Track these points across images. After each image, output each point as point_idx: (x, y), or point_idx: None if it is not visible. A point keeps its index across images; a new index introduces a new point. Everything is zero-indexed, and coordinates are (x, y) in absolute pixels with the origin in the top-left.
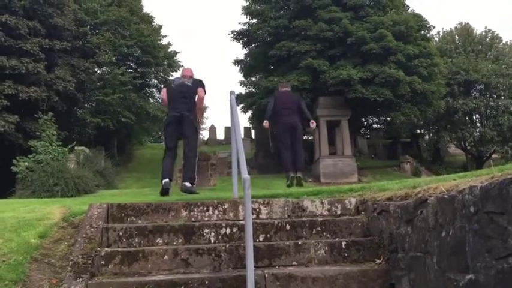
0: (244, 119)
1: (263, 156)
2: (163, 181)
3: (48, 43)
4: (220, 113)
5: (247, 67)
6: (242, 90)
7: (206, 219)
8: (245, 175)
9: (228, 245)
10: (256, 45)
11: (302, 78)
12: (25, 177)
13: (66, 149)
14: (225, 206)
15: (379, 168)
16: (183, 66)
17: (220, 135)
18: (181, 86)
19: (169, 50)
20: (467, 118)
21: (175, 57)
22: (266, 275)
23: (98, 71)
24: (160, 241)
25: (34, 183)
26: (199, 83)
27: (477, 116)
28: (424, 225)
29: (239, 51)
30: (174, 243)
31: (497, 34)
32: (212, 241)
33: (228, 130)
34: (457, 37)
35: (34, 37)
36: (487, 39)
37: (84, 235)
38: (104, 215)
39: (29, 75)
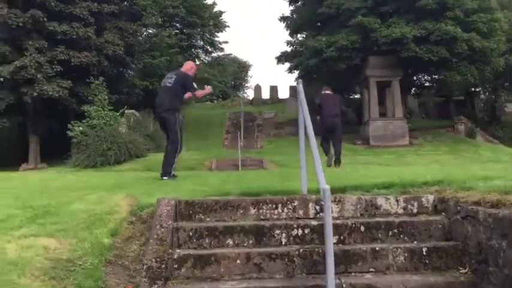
0: (289, 79)
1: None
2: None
3: (97, 7)
4: (265, 71)
5: (293, 25)
6: (288, 49)
7: (275, 217)
8: (324, 185)
9: (301, 250)
10: (303, 2)
11: (351, 37)
12: (80, 141)
13: (118, 114)
14: (295, 204)
15: (431, 129)
16: (228, 26)
17: (266, 94)
18: (163, 87)
19: (214, 10)
20: None
21: (220, 18)
22: (344, 285)
23: (145, 33)
24: (231, 242)
25: (89, 147)
26: (181, 82)
27: None
28: None
29: (285, 8)
30: (245, 244)
31: None
32: (283, 243)
33: (273, 89)
34: None
35: (83, 1)
36: None
37: (155, 236)
38: (173, 213)
39: (80, 40)
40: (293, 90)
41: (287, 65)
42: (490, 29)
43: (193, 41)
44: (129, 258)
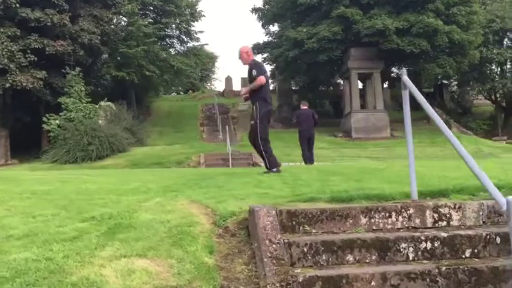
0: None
1: (287, 109)
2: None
3: None
4: (237, 63)
5: (269, 15)
6: (261, 40)
7: (389, 227)
8: (502, 198)
9: (443, 268)
10: None
11: (333, 28)
12: (57, 135)
13: (98, 106)
14: (410, 212)
15: None
16: (204, 16)
17: (236, 86)
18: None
19: None
20: (499, 69)
21: (196, 6)
22: None
23: (121, 23)
24: (351, 258)
25: (68, 142)
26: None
27: (508, 66)
28: None
29: None
30: (367, 261)
31: None
32: (411, 258)
33: (244, 81)
34: None
35: None
36: None
37: (268, 254)
38: (277, 225)
39: (54, 28)
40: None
41: (259, 56)
42: (469, 22)
43: (168, 30)
44: (241, 281)
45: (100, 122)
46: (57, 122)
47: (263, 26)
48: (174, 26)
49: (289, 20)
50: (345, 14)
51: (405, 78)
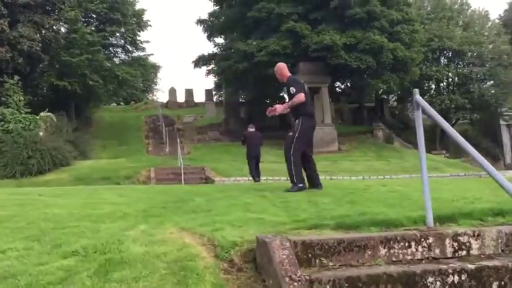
0: (206, 81)
1: (234, 122)
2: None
3: None
4: (180, 74)
5: (217, 27)
6: (205, 52)
7: (409, 257)
8: None
9: None
10: (230, 4)
11: (283, 42)
12: None
13: (38, 117)
14: (429, 241)
15: (352, 135)
16: (150, 26)
17: (180, 97)
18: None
19: (137, 8)
20: (435, 85)
21: (143, 16)
22: None
23: (63, 30)
24: None
25: (6, 155)
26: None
27: (444, 83)
28: None
29: (207, 8)
30: None
31: (466, 1)
32: None
33: (188, 92)
34: (426, 2)
35: None
36: (456, 6)
37: None
38: (295, 259)
39: None
40: (209, 93)
41: (204, 68)
42: (411, 40)
43: (113, 39)
44: None
45: (41, 134)
46: None
47: (208, 38)
48: (119, 34)
49: (235, 33)
50: (294, 29)
51: (418, 97)
